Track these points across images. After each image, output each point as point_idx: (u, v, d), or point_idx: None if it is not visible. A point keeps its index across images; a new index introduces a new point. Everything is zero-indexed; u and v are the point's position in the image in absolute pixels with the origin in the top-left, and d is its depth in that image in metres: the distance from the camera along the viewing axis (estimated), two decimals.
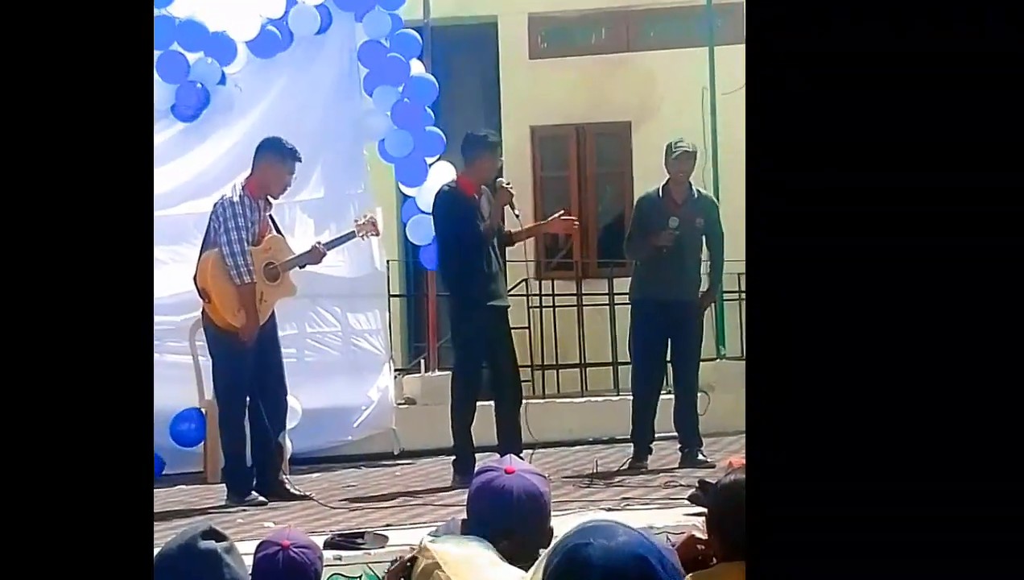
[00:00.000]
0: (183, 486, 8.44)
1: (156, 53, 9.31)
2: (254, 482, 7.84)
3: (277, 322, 8.11)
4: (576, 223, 8.48)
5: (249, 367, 7.83)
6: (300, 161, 8.04)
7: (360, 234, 8.55)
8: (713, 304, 9.95)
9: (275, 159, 7.93)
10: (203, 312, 7.94)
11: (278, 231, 8.13)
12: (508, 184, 8.35)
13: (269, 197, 7.97)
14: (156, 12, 9.27)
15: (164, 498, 8.12)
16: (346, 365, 9.93)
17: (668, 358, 8.97)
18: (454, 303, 8.51)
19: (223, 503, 7.75)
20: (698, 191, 8.99)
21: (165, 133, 9.49)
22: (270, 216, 8.04)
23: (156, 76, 9.31)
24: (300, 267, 8.23)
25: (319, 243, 8.35)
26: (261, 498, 7.72)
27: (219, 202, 7.84)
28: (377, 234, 8.83)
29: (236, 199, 7.78)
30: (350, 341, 10.00)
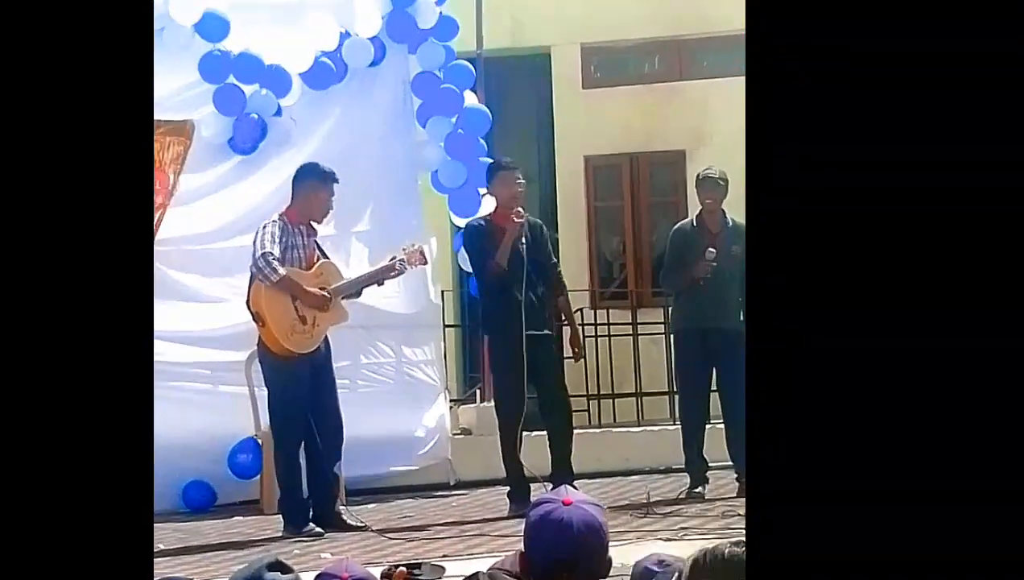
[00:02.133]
0: (240, 517, 8.46)
1: (212, 87, 9.40)
2: (311, 513, 7.85)
3: (329, 347, 8.11)
4: (520, 215, 8.40)
5: (304, 395, 7.84)
6: (337, 182, 8.05)
7: (410, 264, 8.54)
8: None
9: (314, 184, 7.98)
10: (259, 340, 7.96)
11: (325, 257, 8.17)
12: (518, 212, 8.32)
13: (312, 223, 8.00)
14: (211, 47, 9.38)
15: (222, 529, 8.17)
16: (401, 395, 9.95)
17: (715, 387, 8.96)
18: (489, 334, 8.62)
19: (280, 534, 7.77)
20: (732, 219, 8.96)
21: (222, 167, 9.57)
22: (316, 242, 8.07)
23: (213, 108, 9.40)
24: (379, 284, 8.25)
25: (395, 258, 8.27)
26: (318, 529, 7.72)
27: (257, 230, 7.89)
28: (425, 263, 8.82)
29: (270, 222, 7.83)
30: (405, 371, 10.02)
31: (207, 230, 9.27)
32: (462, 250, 10.00)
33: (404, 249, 8.60)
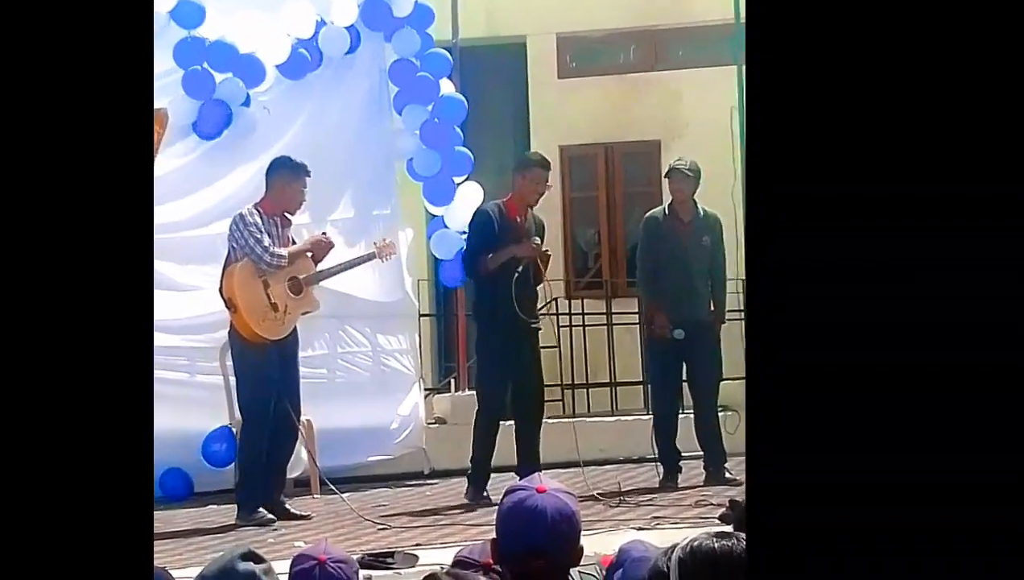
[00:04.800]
0: (215, 506, 8.46)
1: (182, 72, 9.35)
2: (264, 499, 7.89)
3: (300, 341, 8.22)
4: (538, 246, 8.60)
5: (274, 381, 7.91)
6: (309, 176, 8.18)
7: (381, 256, 8.69)
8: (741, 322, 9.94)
9: (287, 176, 8.10)
10: (230, 325, 8.01)
11: None
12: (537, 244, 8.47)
13: (286, 214, 8.10)
14: (185, 33, 9.34)
15: (196, 517, 8.18)
16: (376, 385, 9.95)
17: (685, 377, 9.03)
18: (479, 321, 8.64)
19: (233, 522, 7.80)
20: (703, 209, 9.01)
21: (193, 153, 9.53)
22: (289, 234, 8.18)
23: (182, 92, 9.36)
24: (316, 261, 8.32)
25: (324, 234, 8.49)
26: (270, 515, 7.78)
27: (233, 220, 8.02)
28: (394, 254, 8.94)
29: (247, 212, 7.98)
30: (380, 361, 10.02)
31: (182, 218, 9.25)
32: (439, 234, 10.04)
33: (375, 242, 8.72)
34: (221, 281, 8.05)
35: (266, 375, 7.94)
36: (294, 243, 8.23)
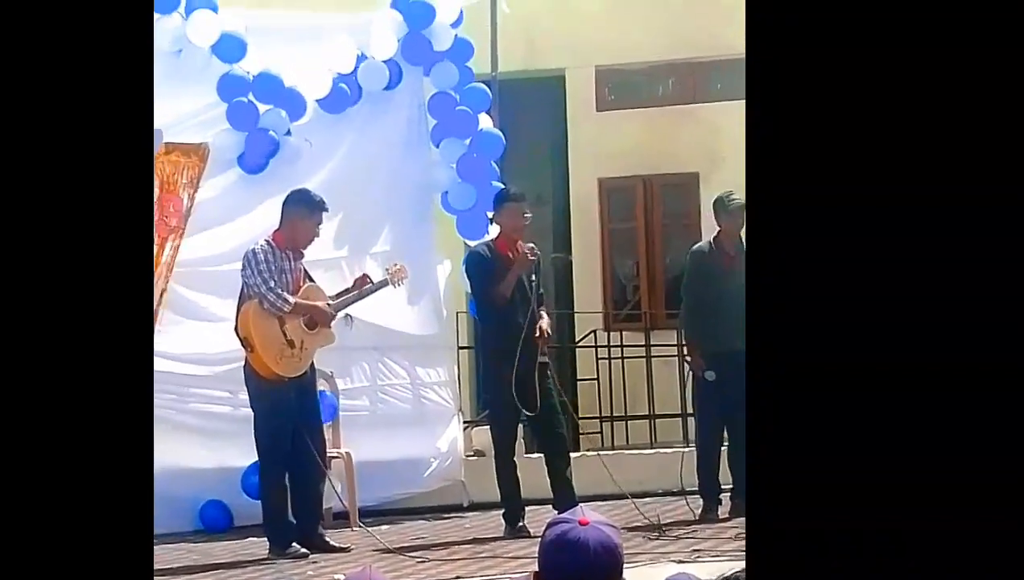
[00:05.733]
0: (254, 538, 8.48)
1: (225, 105, 9.40)
2: (295, 534, 7.88)
3: (340, 372, 8.17)
4: (534, 252, 8.52)
5: (291, 418, 7.89)
6: (327, 212, 8.11)
7: (393, 282, 8.62)
8: None
9: (303, 212, 8.03)
10: (246, 363, 7.98)
11: (311, 280, 8.20)
12: (532, 249, 8.40)
13: (299, 249, 8.05)
14: (229, 68, 9.39)
15: (236, 550, 8.20)
16: (415, 417, 9.96)
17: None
18: (486, 358, 8.73)
19: (265, 556, 7.80)
20: (746, 242, 9.00)
21: (230, 184, 9.54)
22: (301, 266, 8.10)
23: (227, 127, 9.41)
24: (361, 298, 8.29)
25: (364, 276, 8.43)
26: (303, 550, 7.77)
27: (245, 256, 7.95)
28: (406, 278, 8.81)
29: (259, 248, 7.90)
30: (419, 393, 10.03)
31: (223, 251, 9.28)
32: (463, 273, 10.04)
33: (387, 269, 8.69)
34: (236, 319, 7.98)
35: (284, 412, 7.89)
36: (307, 275, 8.16)
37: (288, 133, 9.67)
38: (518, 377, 8.25)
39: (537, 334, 8.36)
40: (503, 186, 9.00)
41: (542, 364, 8.48)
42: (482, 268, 8.56)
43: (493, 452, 8.69)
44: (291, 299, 7.85)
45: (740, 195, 9.04)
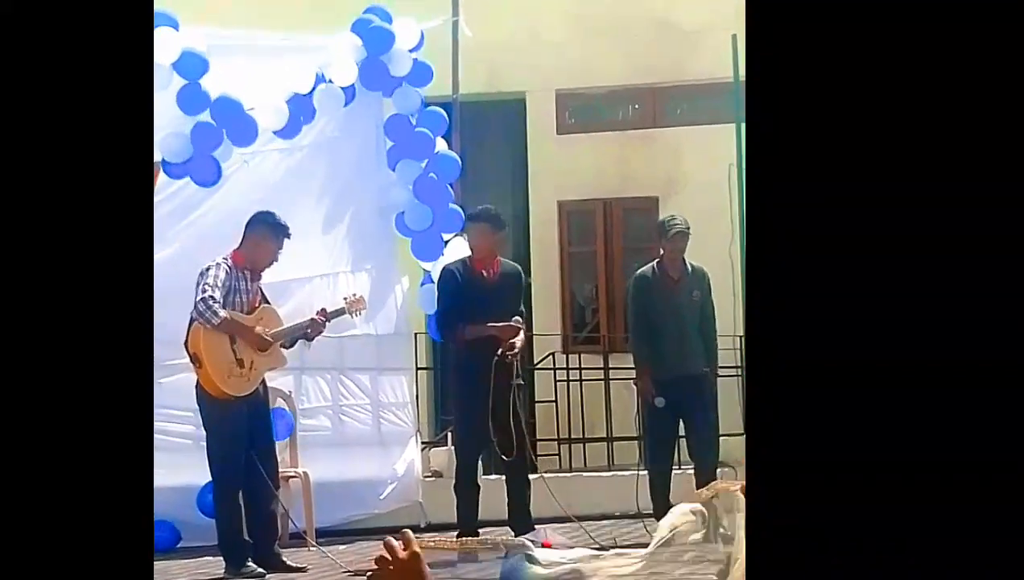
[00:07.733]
0: (209, 557, 8.44)
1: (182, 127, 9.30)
2: (251, 553, 7.86)
3: (298, 392, 8.13)
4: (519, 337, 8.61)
5: (242, 437, 7.85)
6: (289, 238, 8.07)
7: (351, 312, 8.62)
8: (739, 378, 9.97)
9: (266, 233, 8.01)
10: (196, 382, 7.94)
11: (267, 301, 8.18)
12: (518, 320, 8.52)
13: (257, 270, 8.02)
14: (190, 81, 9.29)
15: (193, 568, 8.16)
16: (374, 438, 9.94)
17: (682, 433, 9.04)
18: (458, 381, 8.75)
19: (221, 575, 7.77)
20: (691, 265, 9.06)
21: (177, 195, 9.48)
22: (258, 287, 8.07)
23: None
24: (308, 339, 8.28)
25: (323, 310, 8.38)
26: (260, 569, 7.75)
27: (200, 272, 7.89)
28: (364, 309, 8.84)
29: (214, 264, 7.85)
30: (378, 414, 10.02)
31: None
32: (424, 288, 10.03)
33: (345, 298, 8.67)
34: (187, 336, 7.89)
35: (234, 431, 7.85)
36: (263, 296, 8.12)
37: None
38: (494, 403, 8.23)
39: (509, 349, 8.37)
40: (482, 207, 8.97)
41: (519, 386, 8.49)
42: (454, 284, 8.55)
43: (455, 474, 8.67)
44: (221, 313, 7.72)
45: (681, 219, 9.09)
